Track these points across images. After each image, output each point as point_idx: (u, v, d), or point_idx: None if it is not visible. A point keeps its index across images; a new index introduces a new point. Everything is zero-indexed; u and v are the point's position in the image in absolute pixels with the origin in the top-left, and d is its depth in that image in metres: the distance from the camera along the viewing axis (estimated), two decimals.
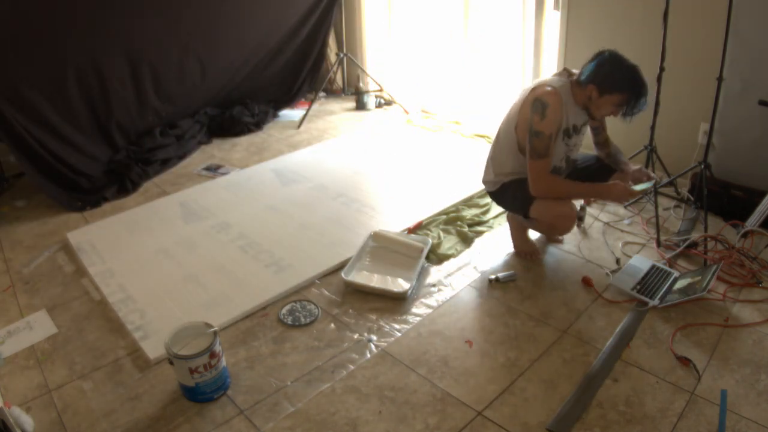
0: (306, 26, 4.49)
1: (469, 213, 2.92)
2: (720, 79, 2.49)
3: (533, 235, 2.67)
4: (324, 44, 4.75)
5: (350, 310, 2.23)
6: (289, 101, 4.70)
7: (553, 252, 2.60)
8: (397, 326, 2.14)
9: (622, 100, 2.09)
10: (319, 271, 2.48)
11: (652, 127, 2.78)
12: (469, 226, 2.80)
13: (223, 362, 1.83)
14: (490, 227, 2.81)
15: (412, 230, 2.80)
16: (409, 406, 1.78)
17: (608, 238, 2.68)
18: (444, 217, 2.90)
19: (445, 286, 2.38)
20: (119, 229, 2.89)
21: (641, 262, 2.44)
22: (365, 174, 3.50)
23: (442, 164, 3.59)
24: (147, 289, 2.38)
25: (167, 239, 2.77)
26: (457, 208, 2.99)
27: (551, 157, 2.19)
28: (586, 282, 2.35)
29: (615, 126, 3.33)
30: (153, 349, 2.02)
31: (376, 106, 4.82)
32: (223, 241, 2.74)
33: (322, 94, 4.98)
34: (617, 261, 2.49)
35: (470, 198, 3.09)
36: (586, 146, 2.47)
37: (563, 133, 2.23)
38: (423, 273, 2.45)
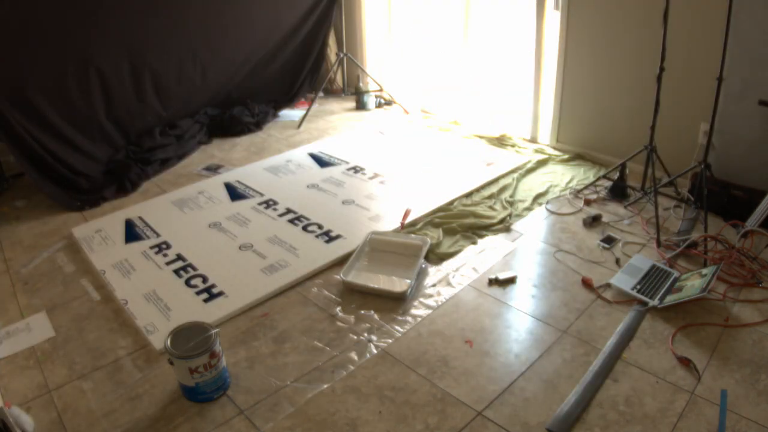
0: (306, 26, 4.49)
1: (476, 212, 2.91)
2: (720, 79, 2.48)
3: None
4: (324, 44, 4.75)
5: (350, 310, 2.23)
6: (289, 101, 4.70)
7: (553, 252, 2.60)
8: (397, 326, 2.14)
9: None
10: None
11: (652, 127, 2.78)
12: (470, 227, 2.79)
13: (223, 362, 1.83)
14: (495, 232, 2.79)
15: (403, 225, 2.81)
16: (409, 406, 1.78)
17: None
18: (442, 213, 2.91)
19: (445, 286, 2.38)
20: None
21: (641, 262, 2.44)
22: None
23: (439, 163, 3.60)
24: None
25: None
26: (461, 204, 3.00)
27: None
28: (586, 282, 2.35)
29: (615, 126, 3.36)
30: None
31: (376, 106, 4.81)
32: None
33: (322, 94, 4.98)
34: (617, 261, 2.49)
35: (470, 193, 3.11)
36: None
37: None
38: (422, 273, 2.46)
